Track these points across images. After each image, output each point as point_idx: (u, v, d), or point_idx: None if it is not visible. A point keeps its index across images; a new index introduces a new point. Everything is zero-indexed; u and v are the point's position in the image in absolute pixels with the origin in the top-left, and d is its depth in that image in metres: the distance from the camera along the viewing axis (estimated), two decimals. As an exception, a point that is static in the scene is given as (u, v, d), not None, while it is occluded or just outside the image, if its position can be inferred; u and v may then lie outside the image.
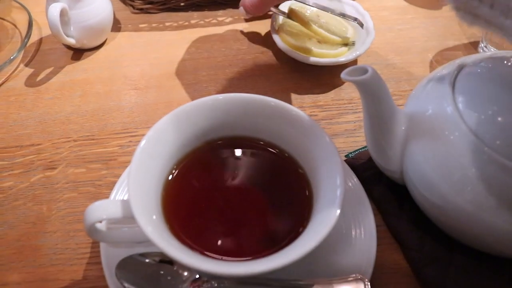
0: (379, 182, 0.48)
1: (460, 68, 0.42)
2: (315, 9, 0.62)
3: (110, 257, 0.40)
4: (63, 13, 0.58)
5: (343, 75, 0.41)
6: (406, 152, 0.42)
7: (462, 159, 0.37)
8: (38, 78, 0.62)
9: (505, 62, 0.42)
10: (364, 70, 0.40)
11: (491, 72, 0.41)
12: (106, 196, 0.48)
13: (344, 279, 0.38)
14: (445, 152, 0.38)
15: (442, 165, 0.38)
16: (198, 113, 0.40)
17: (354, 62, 0.63)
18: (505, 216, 0.36)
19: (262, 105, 0.41)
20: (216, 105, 0.41)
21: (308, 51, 0.58)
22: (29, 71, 0.63)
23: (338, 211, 0.33)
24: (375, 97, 0.41)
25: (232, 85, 0.60)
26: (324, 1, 0.64)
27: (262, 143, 0.43)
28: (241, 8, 0.55)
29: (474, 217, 0.37)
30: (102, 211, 0.37)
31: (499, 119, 0.37)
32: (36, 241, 0.46)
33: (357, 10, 0.65)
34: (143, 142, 0.37)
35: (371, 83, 0.40)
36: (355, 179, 0.46)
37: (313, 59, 0.58)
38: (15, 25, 0.68)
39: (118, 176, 0.48)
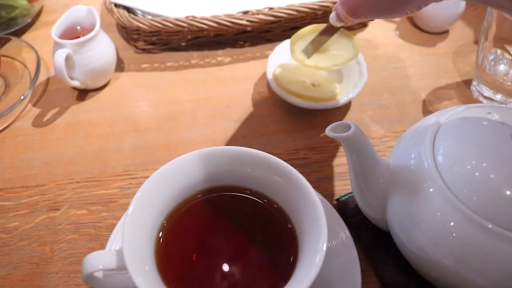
0: (367, 228, 0.50)
1: (443, 121, 0.44)
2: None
3: (106, 301, 0.43)
4: (68, 58, 0.61)
5: (327, 131, 0.43)
6: (388, 203, 0.44)
7: (439, 214, 0.39)
8: (45, 119, 0.65)
9: (488, 117, 0.43)
10: (347, 127, 0.42)
11: (472, 127, 0.42)
12: (106, 237, 0.51)
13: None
14: (423, 206, 0.40)
15: (420, 219, 0.40)
16: (184, 168, 0.42)
17: (347, 104, 0.65)
18: (481, 272, 0.37)
19: (249, 157, 0.43)
20: (201, 159, 0.43)
21: (302, 96, 0.60)
22: (36, 111, 0.66)
23: (311, 280, 0.35)
24: (358, 151, 0.43)
25: (228, 127, 0.63)
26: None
27: (250, 192, 0.45)
28: (333, 14, 0.47)
29: (451, 270, 0.39)
30: (98, 261, 0.39)
31: (477, 175, 0.38)
32: (39, 282, 0.48)
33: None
34: (132, 204, 0.39)
35: (353, 139, 0.42)
36: (343, 225, 0.48)
37: (307, 103, 0.60)
38: (24, 65, 0.72)
39: (118, 218, 0.51)
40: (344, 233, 0.47)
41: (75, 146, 0.61)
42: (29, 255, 0.50)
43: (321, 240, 0.36)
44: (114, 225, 0.49)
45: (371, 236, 0.49)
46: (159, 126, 0.63)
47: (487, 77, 0.65)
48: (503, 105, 0.50)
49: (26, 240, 0.52)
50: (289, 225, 0.42)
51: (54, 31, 0.63)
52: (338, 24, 0.48)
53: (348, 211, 0.51)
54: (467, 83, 0.69)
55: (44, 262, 0.50)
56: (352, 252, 0.46)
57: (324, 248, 0.35)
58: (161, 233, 0.42)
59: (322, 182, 0.56)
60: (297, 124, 0.63)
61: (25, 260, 0.50)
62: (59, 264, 0.50)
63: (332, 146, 0.60)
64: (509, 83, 0.63)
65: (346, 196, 0.53)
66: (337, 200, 0.53)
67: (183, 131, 0.62)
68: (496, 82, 0.64)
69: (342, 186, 0.55)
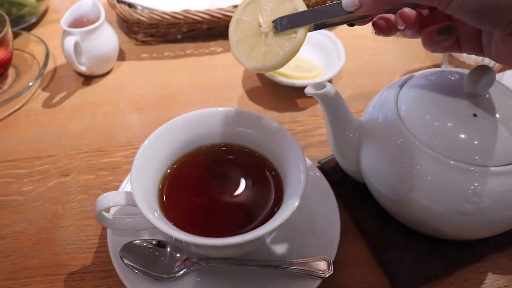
0: (346, 183, 0.56)
1: (405, 81, 0.50)
2: None
3: (115, 243, 0.48)
4: (76, 45, 0.68)
5: (307, 90, 0.49)
6: (361, 155, 0.50)
7: (407, 158, 0.45)
8: (54, 101, 0.71)
9: (444, 77, 0.50)
10: (324, 86, 0.49)
11: (430, 85, 0.49)
12: (112, 197, 0.56)
13: (313, 259, 0.46)
14: (392, 154, 0.46)
15: (391, 165, 0.46)
16: (186, 124, 0.50)
17: (328, 83, 0.72)
18: (448, 204, 0.43)
19: (238, 115, 0.50)
20: (201, 117, 0.51)
21: (287, 75, 0.67)
22: (46, 95, 0.72)
23: (299, 200, 0.41)
24: (333, 107, 0.49)
25: (221, 105, 0.68)
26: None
27: (237, 147, 0.52)
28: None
29: (421, 206, 0.45)
30: (109, 200, 0.45)
31: (435, 123, 0.45)
32: (52, 234, 0.54)
33: (330, 38, 0.74)
34: (140, 150, 0.46)
35: (329, 96, 0.48)
36: (325, 181, 0.54)
37: (291, 81, 0.67)
38: (33, 56, 0.78)
39: (122, 181, 0.57)
40: (326, 188, 0.54)
41: (82, 122, 0.67)
42: (43, 212, 0.56)
43: (302, 174, 0.43)
44: (119, 187, 0.55)
45: (349, 190, 0.56)
46: (159, 105, 0.70)
47: (453, 60, 0.72)
48: (456, 68, 0.56)
49: (40, 201, 0.57)
50: (272, 166, 0.50)
51: (63, 21, 0.69)
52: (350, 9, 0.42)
53: (329, 170, 0.58)
54: (437, 67, 0.77)
55: (56, 218, 0.55)
56: (332, 203, 0.52)
57: (305, 178, 0.42)
58: (164, 177, 0.48)
59: (306, 149, 0.62)
60: (283, 101, 0.70)
61: (39, 216, 0.56)
62: (70, 219, 0.55)
63: (315, 119, 0.66)
64: (472, 63, 0.70)
65: (327, 158, 0.59)
66: (319, 162, 0.59)
67: (180, 108, 0.69)
68: (461, 63, 0.71)
69: (324, 152, 0.62)
